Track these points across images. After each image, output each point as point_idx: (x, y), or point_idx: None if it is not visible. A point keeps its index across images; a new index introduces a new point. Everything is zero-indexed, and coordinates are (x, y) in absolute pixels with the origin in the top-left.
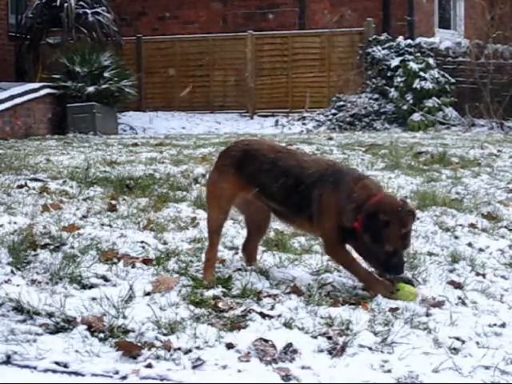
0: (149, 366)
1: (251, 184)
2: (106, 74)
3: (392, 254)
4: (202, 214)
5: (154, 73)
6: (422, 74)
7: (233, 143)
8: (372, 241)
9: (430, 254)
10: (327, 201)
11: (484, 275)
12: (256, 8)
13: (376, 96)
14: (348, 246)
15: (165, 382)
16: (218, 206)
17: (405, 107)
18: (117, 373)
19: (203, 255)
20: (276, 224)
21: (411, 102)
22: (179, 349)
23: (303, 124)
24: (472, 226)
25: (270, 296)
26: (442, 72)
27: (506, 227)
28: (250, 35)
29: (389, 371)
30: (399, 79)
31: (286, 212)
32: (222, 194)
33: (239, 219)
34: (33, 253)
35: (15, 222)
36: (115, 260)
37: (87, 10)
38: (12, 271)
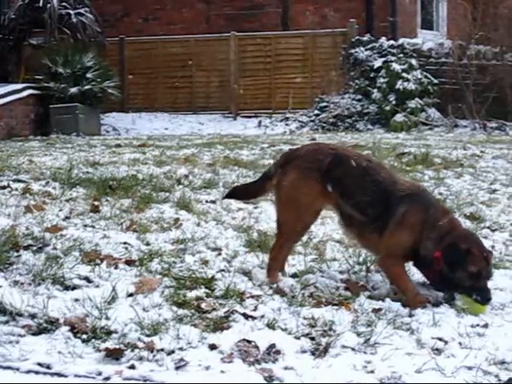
0: (132, 367)
1: (334, 190)
2: (88, 75)
3: (476, 277)
4: (184, 215)
5: (136, 74)
6: (404, 74)
7: (312, 146)
8: (454, 269)
9: None
10: (412, 219)
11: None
12: (239, 9)
13: (359, 97)
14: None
15: (148, 382)
16: (298, 212)
17: (387, 108)
18: (100, 374)
19: (267, 255)
20: (259, 225)
21: (394, 102)
22: (162, 350)
23: (286, 125)
24: None
25: (253, 297)
26: (424, 73)
27: (488, 228)
28: (233, 36)
29: (372, 372)
30: (382, 80)
31: (364, 222)
32: (305, 201)
33: (222, 220)
34: (15, 254)
35: None
36: (98, 261)
37: (70, 11)
38: None
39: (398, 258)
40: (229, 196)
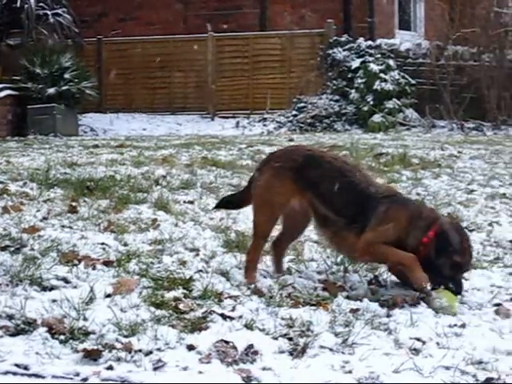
0: (110, 367)
1: (309, 190)
2: (66, 76)
3: (458, 268)
4: (162, 216)
5: (114, 74)
6: (382, 75)
7: (289, 147)
8: (441, 254)
9: None
10: (395, 214)
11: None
12: (217, 9)
13: (337, 97)
14: None
15: (126, 383)
16: (271, 212)
17: (365, 108)
18: (77, 375)
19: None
20: (237, 225)
21: (372, 103)
22: (140, 350)
23: (264, 125)
24: None
25: (230, 297)
26: (402, 73)
27: (466, 228)
28: (210, 37)
29: (350, 372)
30: (360, 80)
31: (339, 223)
32: (275, 199)
33: (200, 220)
34: None
35: None
36: (76, 262)
37: (47, 12)
38: None
39: (379, 242)
40: (219, 206)
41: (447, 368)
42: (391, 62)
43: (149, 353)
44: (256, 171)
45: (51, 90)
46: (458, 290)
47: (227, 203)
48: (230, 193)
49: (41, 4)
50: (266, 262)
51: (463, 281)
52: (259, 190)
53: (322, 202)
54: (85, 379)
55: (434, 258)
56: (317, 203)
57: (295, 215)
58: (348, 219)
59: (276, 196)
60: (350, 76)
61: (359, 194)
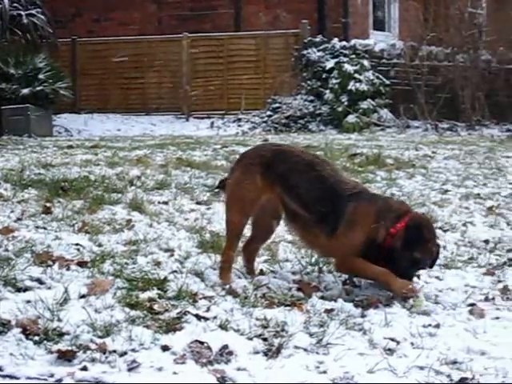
0: (84, 368)
1: (278, 185)
2: (40, 76)
3: (415, 263)
4: (137, 217)
5: (89, 75)
6: (356, 75)
7: (260, 144)
8: (405, 247)
9: None
10: (363, 215)
11: (418, 276)
12: (191, 10)
13: (311, 98)
14: None
15: None
16: (241, 208)
17: (340, 109)
18: (52, 376)
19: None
20: (211, 226)
21: (346, 103)
22: (114, 351)
23: (239, 126)
24: None
25: (205, 298)
26: (376, 74)
27: (440, 228)
28: (185, 37)
29: (324, 372)
30: (334, 81)
31: (308, 219)
32: (245, 195)
33: (175, 221)
34: None
35: None
36: (50, 262)
37: (21, 12)
38: None
39: (355, 255)
40: (219, 187)
41: (421, 368)
42: (365, 63)
43: (123, 353)
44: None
45: (25, 91)
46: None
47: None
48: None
49: (15, 4)
50: (241, 263)
51: (437, 281)
52: (230, 188)
53: (291, 197)
54: (59, 380)
55: (397, 250)
56: (286, 198)
57: (265, 214)
58: (317, 216)
59: (246, 192)
60: (324, 76)
61: (328, 189)
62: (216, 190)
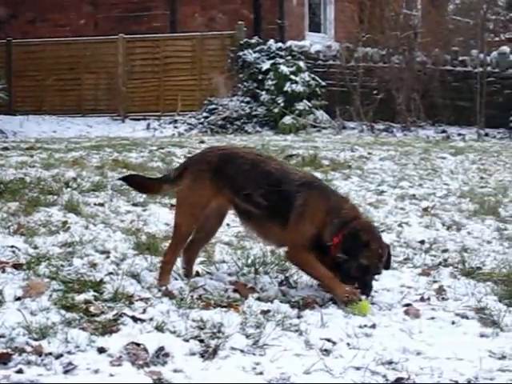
0: (19, 371)
1: (227, 188)
2: None
3: (364, 270)
4: (73, 218)
5: (24, 76)
6: (292, 77)
7: (206, 149)
8: (348, 256)
9: None
10: (314, 206)
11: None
12: (127, 11)
13: (247, 99)
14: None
15: None
16: (191, 213)
17: (276, 110)
18: None
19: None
20: (148, 228)
21: (282, 104)
22: (50, 354)
23: (175, 127)
24: None
25: (141, 299)
26: (312, 75)
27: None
28: (121, 38)
29: (261, 373)
30: (270, 82)
31: (261, 215)
32: (196, 201)
33: (110, 223)
34: None
35: None
36: None
37: None
38: None
39: (306, 247)
40: (124, 179)
41: (358, 368)
42: (301, 64)
43: (59, 356)
44: (175, 173)
45: None
46: (365, 292)
47: (134, 181)
48: (142, 174)
49: None
50: (177, 264)
51: (373, 281)
52: (181, 194)
53: (241, 197)
54: None
55: (342, 261)
56: (237, 199)
57: (209, 217)
58: (269, 211)
59: (197, 198)
60: (260, 78)
61: (275, 183)
62: (120, 182)
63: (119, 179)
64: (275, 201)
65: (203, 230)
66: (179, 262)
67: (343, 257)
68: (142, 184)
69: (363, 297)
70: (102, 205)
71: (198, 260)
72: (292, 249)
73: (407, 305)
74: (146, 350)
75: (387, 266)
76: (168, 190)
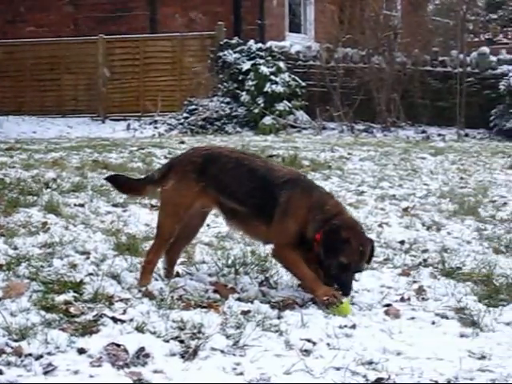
0: None
1: (212, 187)
2: None
3: (344, 268)
4: (53, 219)
5: (4, 77)
6: (273, 77)
7: (190, 150)
8: (328, 255)
9: None
10: (298, 205)
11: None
12: (107, 12)
13: (228, 100)
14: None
15: None
16: (176, 214)
17: (256, 111)
18: None
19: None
20: (128, 228)
21: (262, 105)
22: (30, 355)
23: (155, 128)
24: None
25: (121, 300)
26: (292, 76)
27: None
28: (101, 39)
29: (241, 374)
30: (250, 83)
31: (246, 213)
32: (181, 202)
33: (91, 223)
34: None
35: None
36: None
37: None
38: None
39: (290, 245)
40: (109, 179)
41: (338, 369)
42: (282, 65)
43: (39, 357)
44: (159, 174)
45: None
46: (344, 291)
47: (118, 181)
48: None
49: None
50: (158, 265)
51: (353, 281)
52: (165, 195)
53: (226, 196)
54: None
55: (322, 257)
56: (222, 198)
57: (192, 217)
58: (254, 208)
59: (182, 199)
60: (240, 78)
61: (259, 180)
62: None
63: (104, 179)
64: (260, 198)
65: (186, 230)
66: (160, 263)
67: (323, 254)
68: (125, 184)
69: (344, 298)
70: (82, 205)
71: (179, 261)
72: (277, 247)
73: (387, 305)
74: (126, 350)
75: (369, 261)
76: (151, 191)
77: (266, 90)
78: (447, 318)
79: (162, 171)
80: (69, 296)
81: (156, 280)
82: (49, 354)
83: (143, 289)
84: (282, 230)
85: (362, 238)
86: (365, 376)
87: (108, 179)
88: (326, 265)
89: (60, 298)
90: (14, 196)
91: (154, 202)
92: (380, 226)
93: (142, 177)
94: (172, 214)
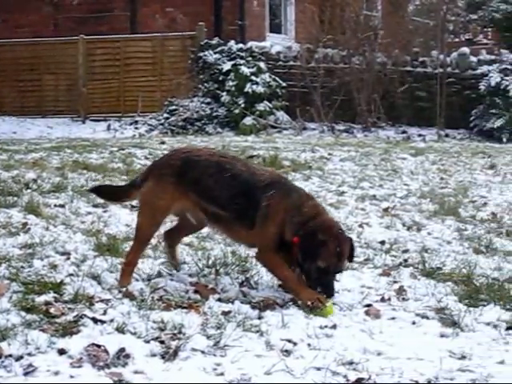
0: None
1: (191, 191)
2: None
3: (324, 272)
4: (33, 220)
5: None
6: (253, 78)
7: (170, 152)
8: (306, 259)
9: None
10: (276, 208)
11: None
12: (88, 12)
13: (208, 100)
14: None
15: None
16: (153, 217)
17: (237, 111)
18: None
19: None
20: (108, 229)
21: (243, 105)
22: (10, 355)
23: (136, 128)
24: None
25: (102, 301)
26: (273, 76)
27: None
28: (81, 39)
29: (222, 374)
30: (231, 83)
31: (227, 217)
32: (158, 205)
33: (71, 224)
34: None
35: None
36: None
37: None
38: None
39: (272, 248)
40: (93, 191)
41: (318, 369)
42: (262, 65)
43: (19, 358)
44: (141, 178)
45: None
46: (328, 294)
47: (103, 191)
48: (109, 183)
49: None
50: (138, 265)
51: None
52: (144, 197)
53: (207, 201)
54: None
55: (300, 261)
56: (203, 203)
57: (188, 219)
58: (236, 213)
59: (159, 202)
60: (221, 79)
61: (241, 185)
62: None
63: (88, 191)
64: (242, 203)
65: (185, 225)
66: (146, 264)
67: (301, 258)
68: (111, 193)
69: (327, 302)
70: (62, 206)
71: (159, 261)
72: (260, 250)
73: (368, 305)
74: (106, 351)
75: (350, 259)
76: (137, 195)
77: (246, 90)
78: (428, 318)
79: (143, 174)
80: (49, 297)
81: (136, 281)
82: (29, 354)
83: (123, 289)
84: (263, 234)
85: (339, 238)
86: (345, 376)
87: (92, 191)
88: (305, 269)
89: (40, 299)
90: None
91: (134, 202)
92: (360, 226)
93: (127, 183)
94: (149, 217)
